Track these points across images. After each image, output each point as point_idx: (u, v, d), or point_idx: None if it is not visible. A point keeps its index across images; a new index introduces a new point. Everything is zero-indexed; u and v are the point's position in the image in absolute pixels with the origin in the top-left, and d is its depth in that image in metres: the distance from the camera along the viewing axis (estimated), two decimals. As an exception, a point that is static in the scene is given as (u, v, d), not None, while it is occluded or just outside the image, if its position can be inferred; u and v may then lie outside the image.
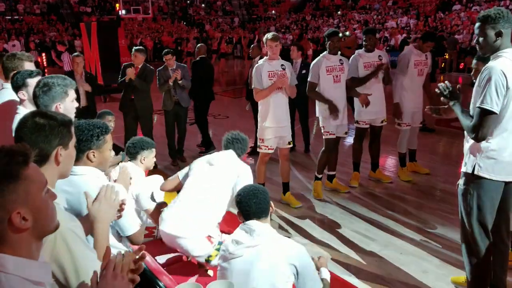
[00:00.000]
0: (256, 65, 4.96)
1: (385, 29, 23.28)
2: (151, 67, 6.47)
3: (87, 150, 2.17)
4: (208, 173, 3.24)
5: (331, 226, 4.64)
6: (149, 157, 3.51)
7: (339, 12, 29.91)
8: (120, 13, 25.71)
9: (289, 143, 5.01)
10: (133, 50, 6.40)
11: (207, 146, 7.25)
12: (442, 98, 2.96)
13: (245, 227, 2.33)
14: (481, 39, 2.76)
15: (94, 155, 2.19)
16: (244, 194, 2.38)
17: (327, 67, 5.07)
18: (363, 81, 5.35)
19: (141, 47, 6.65)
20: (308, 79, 5.18)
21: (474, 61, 3.61)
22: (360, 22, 25.45)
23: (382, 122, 5.64)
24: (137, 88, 6.24)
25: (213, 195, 3.15)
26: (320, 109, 5.29)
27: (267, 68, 4.79)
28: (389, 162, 6.70)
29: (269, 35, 4.82)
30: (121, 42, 13.44)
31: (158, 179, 4.13)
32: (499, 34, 2.70)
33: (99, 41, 12.49)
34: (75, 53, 6.71)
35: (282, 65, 4.85)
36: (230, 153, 3.43)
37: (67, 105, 2.47)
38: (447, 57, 18.00)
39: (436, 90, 3.01)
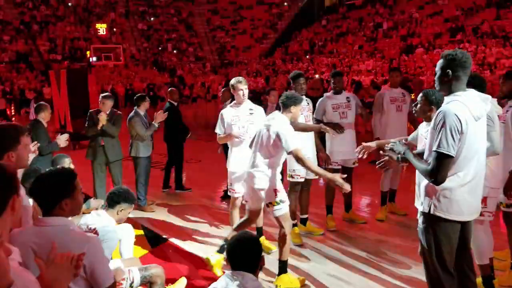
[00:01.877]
0: (222, 110, 4.96)
1: (352, 72, 24.03)
2: (119, 112, 6.44)
3: (60, 200, 2.16)
4: (259, 135, 4.14)
5: (305, 270, 4.55)
6: (126, 211, 3.50)
7: (307, 56, 30.79)
8: (91, 60, 25.80)
9: None
10: (100, 97, 6.35)
11: (179, 186, 7.60)
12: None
13: (230, 277, 2.24)
14: (436, 74, 2.90)
15: (66, 203, 2.18)
16: (235, 244, 2.30)
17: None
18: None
19: (107, 93, 6.60)
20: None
21: (420, 95, 3.66)
22: (328, 66, 26.19)
23: (354, 163, 5.66)
24: (107, 134, 6.16)
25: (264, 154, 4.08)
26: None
27: (231, 113, 4.79)
28: (363, 202, 6.71)
29: (233, 80, 4.83)
30: (92, 89, 13.38)
31: (128, 228, 4.02)
32: (446, 74, 2.80)
33: (68, 88, 12.39)
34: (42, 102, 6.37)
35: (250, 109, 4.85)
36: (276, 113, 4.18)
37: (19, 153, 2.45)
38: (413, 97, 18.61)
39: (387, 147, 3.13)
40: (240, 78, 4.84)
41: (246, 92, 4.79)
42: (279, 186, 4.12)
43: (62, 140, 5.26)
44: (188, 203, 6.94)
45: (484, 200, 3.46)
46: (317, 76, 22.34)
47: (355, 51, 27.90)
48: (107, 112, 6.18)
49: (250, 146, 4.35)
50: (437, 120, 2.72)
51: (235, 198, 4.92)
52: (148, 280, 3.47)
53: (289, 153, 3.96)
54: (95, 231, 3.18)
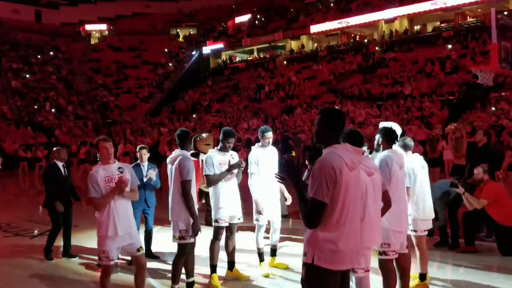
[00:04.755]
0: (90, 172, 4.61)
1: (239, 129, 24.70)
2: None
3: None
4: None
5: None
6: None
7: (194, 116, 31.15)
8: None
9: (138, 250, 4.63)
10: None
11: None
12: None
13: None
14: (315, 129, 3.08)
15: None
16: None
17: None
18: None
19: None
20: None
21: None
22: (215, 124, 26.68)
23: (238, 219, 5.60)
24: None
25: None
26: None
27: (102, 174, 4.49)
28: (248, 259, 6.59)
29: (100, 137, 4.63)
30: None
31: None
32: (323, 129, 3.02)
33: None
34: None
35: (119, 168, 4.60)
36: None
37: None
38: (293, 154, 19.57)
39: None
40: (104, 136, 4.77)
41: (111, 150, 4.60)
42: None
43: None
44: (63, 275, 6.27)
45: None
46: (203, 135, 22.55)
47: (240, 111, 28.92)
48: None
49: None
50: (315, 168, 2.89)
51: (108, 267, 4.52)
52: None
53: None
54: None
